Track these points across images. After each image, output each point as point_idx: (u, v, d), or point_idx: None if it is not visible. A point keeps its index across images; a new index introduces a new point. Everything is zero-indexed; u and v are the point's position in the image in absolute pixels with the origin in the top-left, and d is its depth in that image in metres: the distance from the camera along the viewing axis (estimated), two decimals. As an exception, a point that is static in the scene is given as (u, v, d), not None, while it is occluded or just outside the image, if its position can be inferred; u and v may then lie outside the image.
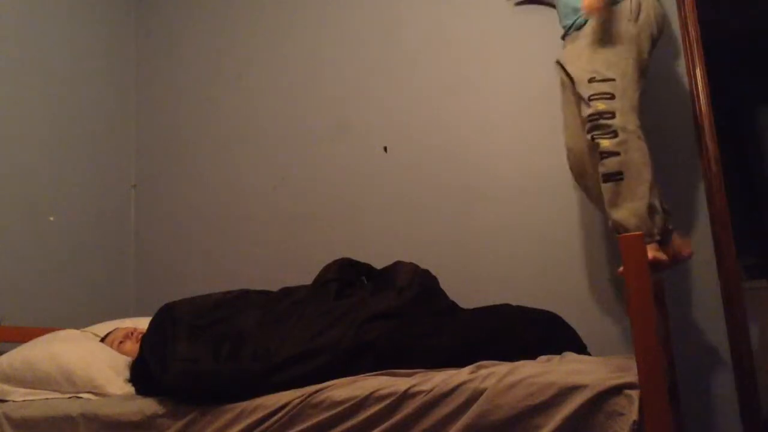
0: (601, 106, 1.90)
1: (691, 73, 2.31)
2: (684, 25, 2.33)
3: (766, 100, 4.89)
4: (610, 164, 1.89)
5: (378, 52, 2.85)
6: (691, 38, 2.33)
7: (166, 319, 1.94)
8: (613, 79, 1.92)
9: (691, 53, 2.32)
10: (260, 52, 3.10)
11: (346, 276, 2.16)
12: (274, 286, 2.25)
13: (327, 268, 2.20)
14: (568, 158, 2.16)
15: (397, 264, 2.17)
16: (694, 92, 2.31)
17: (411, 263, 2.16)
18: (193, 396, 1.73)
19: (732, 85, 4.60)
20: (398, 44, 2.81)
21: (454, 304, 2.11)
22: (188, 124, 3.21)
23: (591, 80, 1.94)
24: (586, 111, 1.93)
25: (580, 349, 1.90)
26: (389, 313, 1.87)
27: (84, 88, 3.12)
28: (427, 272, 2.13)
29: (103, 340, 2.31)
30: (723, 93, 3.35)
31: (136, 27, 3.43)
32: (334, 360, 1.73)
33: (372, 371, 1.70)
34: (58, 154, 2.95)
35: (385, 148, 2.76)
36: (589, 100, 1.93)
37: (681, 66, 2.32)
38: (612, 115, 1.89)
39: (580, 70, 2.00)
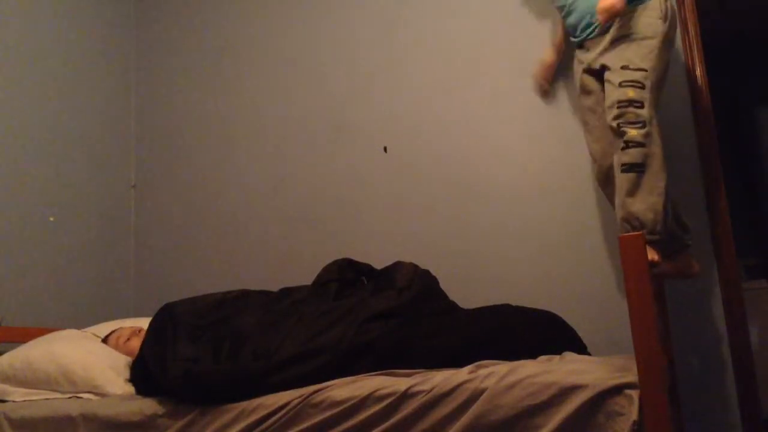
0: (631, 93, 1.86)
1: (691, 73, 2.31)
2: (684, 25, 2.33)
3: (766, 100, 4.89)
4: (635, 154, 1.85)
5: (378, 52, 2.84)
6: (691, 38, 2.33)
7: (166, 320, 1.94)
8: (645, 70, 1.89)
9: (691, 53, 2.32)
10: (260, 52, 3.10)
11: (346, 276, 2.16)
12: (274, 286, 2.25)
13: (327, 269, 2.20)
14: (594, 166, 2.13)
15: (397, 264, 2.17)
16: (694, 92, 2.31)
17: (411, 263, 2.16)
18: (193, 396, 1.73)
19: (732, 85, 4.61)
20: (398, 44, 2.80)
21: (454, 305, 2.11)
22: (188, 124, 3.21)
23: (624, 67, 1.91)
24: (615, 95, 1.88)
25: (580, 349, 1.90)
26: (389, 313, 1.87)
27: (84, 88, 3.12)
28: (427, 272, 2.13)
29: (105, 339, 2.32)
30: (723, 93, 3.36)
31: (136, 27, 3.43)
32: (334, 360, 1.73)
33: (372, 371, 1.71)
34: (58, 154, 2.95)
35: (385, 148, 2.76)
36: (620, 85, 1.88)
37: (681, 66, 2.32)
38: (641, 104, 1.85)
39: (613, 58, 1.97)
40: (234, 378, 1.72)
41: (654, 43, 1.94)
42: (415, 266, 2.14)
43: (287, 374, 1.71)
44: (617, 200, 1.92)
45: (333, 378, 1.68)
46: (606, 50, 2.02)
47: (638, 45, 1.94)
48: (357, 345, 1.76)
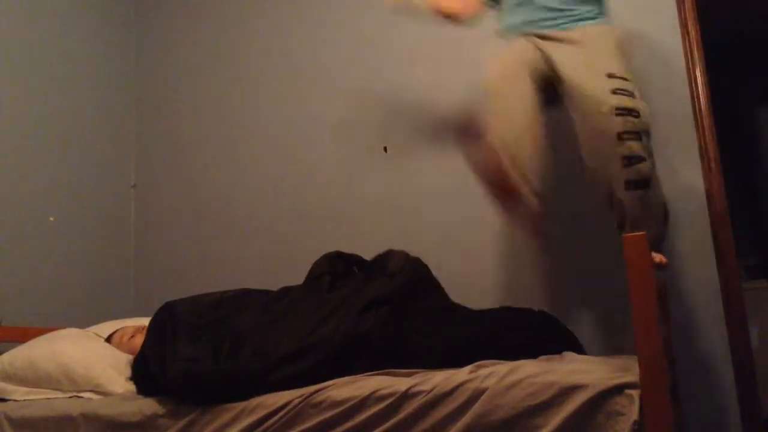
0: (628, 102, 1.78)
1: (691, 73, 2.31)
2: (684, 25, 2.33)
3: (766, 100, 4.90)
4: (640, 171, 1.76)
5: (379, 52, 2.84)
6: (691, 38, 2.33)
7: (167, 319, 1.94)
8: (629, 80, 1.83)
9: (691, 53, 2.32)
10: (260, 52, 3.10)
11: (337, 269, 2.16)
12: (274, 286, 2.25)
13: (318, 263, 2.21)
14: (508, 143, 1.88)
15: (389, 252, 2.18)
16: (694, 92, 2.31)
17: (402, 251, 2.16)
18: (193, 396, 1.74)
19: (732, 85, 4.61)
20: (398, 44, 2.81)
21: (452, 303, 2.12)
22: (188, 124, 3.21)
23: (611, 75, 1.82)
24: (611, 101, 1.77)
25: (578, 349, 1.90)
26: (381, 298, 1.88)
27: (84, 87, 3.12)
28: (418, 260, 2.14)
29: (109, 338, 2.31)
30: (723, 93, 3.37)
31: (136, 27, 3.43)
32: (331, 354, 1.74)
33: (370, 363, 1.72)
34: (58, 154, 2.95)
35: (385, 148, 2.76)
36: (614, 93, 1.79)
37: (681, 66, 2.32)
38: (638, 114, 1.78)
39: (585, 58, 1.88)
40: (234, 378, 1.72)
41: (626, 61, 1.89)
42: (406, 254, 2.14)
43: (286, 372, 1.71)
44: (630, 215, 1.81)
45: (332, 372, 1.68)
46: (572, 44, 1.93)
47: (616, 56, 1.88)
48: (352, 337, 1.77)
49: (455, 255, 2.55)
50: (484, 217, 2.54)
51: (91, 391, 2.03)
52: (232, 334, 1.86)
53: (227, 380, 1.72)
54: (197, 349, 1.81)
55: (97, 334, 2.38)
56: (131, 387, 1.99)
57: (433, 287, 2.11)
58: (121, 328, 2.34)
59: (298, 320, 1.87)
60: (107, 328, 2.42)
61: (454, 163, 2.62)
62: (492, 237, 2.52)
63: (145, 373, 1.87)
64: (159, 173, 3.24)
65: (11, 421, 1.94)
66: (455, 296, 2.16)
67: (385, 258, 2.15)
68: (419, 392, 1.51)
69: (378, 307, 1.85)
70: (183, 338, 1.85)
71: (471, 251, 2.54)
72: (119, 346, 2.25)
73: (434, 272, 2.16)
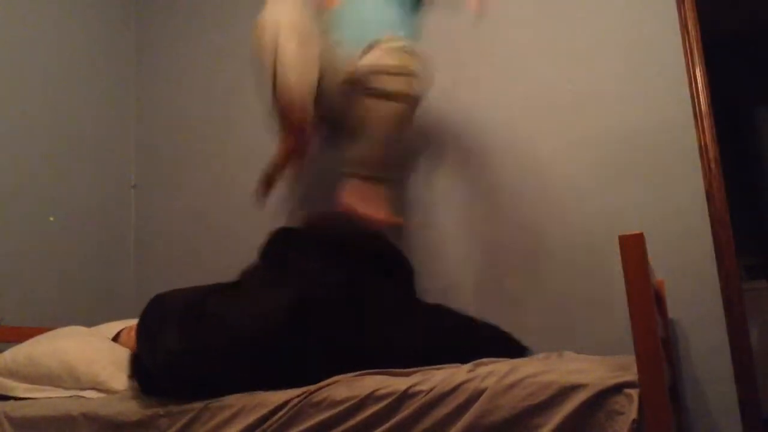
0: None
1: (691, 73, 2.32)
2: (684, 25, 2.33)
3: (766, 100, 4.90)
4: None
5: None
6: (691, 38, 2.33)
7: (154, 312, 1.93)
8: None
9: (691, 53, 2.32)
10: (260, 52, 3.10)
11: (287, 241, 2.21)
12: (274, 286, 2.25)
13: (268, 240, 2.25)
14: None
15: (331, 213, 2.22)
16: (694, 92, 2.31)
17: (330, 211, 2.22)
18: (173, 385, 1.75)
19: (732, 85, 4.61)
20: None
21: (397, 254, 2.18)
22: (188, 124, 3.21)
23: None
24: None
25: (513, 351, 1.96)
26: (330, 259, 1.96)
27: (84, 87, 3.13)
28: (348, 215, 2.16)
29: (117, 336, 2.31)
30: (723, 93, 3.37)
31: (136, 27, 3.43)
32: (283, 318, 1.78)
33: (325, 327, 1.80)
34: (58, 155, 2.95)
35: (386, 148, 2.75)
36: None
37: (681, 66, 2.32)
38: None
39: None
40: (223, 365, 1.74)
41: None
42: (339, 214, 2.18)
43: (242, 337, 1.75)
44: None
45: (292, 336, 1.75)
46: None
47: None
48: (306, 300, 1.82)
49: (457, 253, 2.55)
50: (485, 215, 2.55)
51: (92, 388, 2.04)
52: (215, 323, 1.86)
53: (214, 368, 1.74)
54: (183, 340, 1.80)
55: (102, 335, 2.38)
56: (133, 384, 1.99)
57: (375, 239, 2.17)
58: (129, 326, 2.34)
59: (251, 294, 1.90)
60: (110, 328, 2.43)
61: (452, 160, 2.64)
62: (494, 234, 2.52)
63: (141, 369, 1.87)
64: (159, 173, 3.24)
65: (11, 420, 1.94)
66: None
67: (330, 222, 2.21)
68: (419, 392, 1.51)
69: (330, 270, 1.91)
70: (169, 331, 1.84)
71: (473, 249, 2.55)
72: (128, 342, 2.25)
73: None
